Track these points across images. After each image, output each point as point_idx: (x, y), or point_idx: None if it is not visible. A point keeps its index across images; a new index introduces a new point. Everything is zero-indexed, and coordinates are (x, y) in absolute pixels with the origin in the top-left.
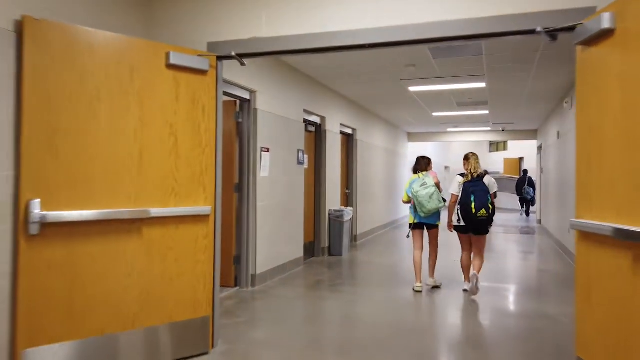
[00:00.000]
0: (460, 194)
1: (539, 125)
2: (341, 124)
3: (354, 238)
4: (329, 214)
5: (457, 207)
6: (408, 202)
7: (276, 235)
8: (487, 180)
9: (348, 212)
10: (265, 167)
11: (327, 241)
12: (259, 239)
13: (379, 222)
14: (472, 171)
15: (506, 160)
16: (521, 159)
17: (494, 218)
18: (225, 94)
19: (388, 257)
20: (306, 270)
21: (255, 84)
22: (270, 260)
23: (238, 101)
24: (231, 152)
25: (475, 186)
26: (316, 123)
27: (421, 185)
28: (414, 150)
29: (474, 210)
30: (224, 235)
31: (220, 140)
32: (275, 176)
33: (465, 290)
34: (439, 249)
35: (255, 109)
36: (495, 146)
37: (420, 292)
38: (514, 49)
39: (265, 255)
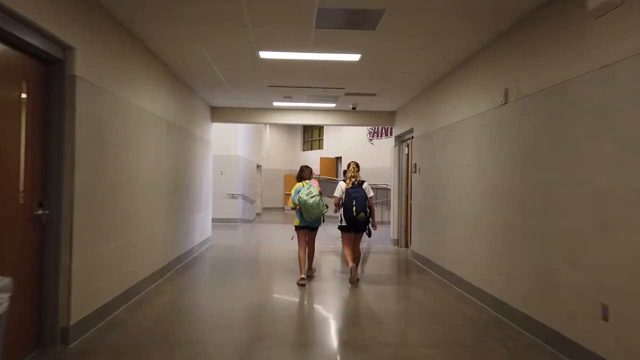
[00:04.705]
0: (344, 199)
1: (399, 105)
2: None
3: (62, 338)
4: None
5: (341, 210)
6: (294, 208)
7: None
8: (365, 186)
9: None
10: None
11: None
12: None
13: (151, 268)
14: (353, 178)
15: (322, 160)
16: (338, 158)
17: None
18: None
19: None
20: None
21: None
22: None
23: None
24: None
25: (356, 192)
26: None
27: (308, 194)
28: (218, 135)
29: (354, 213)
30: None
31: None
32: None
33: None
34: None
35: None
36: (309, 144)
37: (304, 285)
38: None
39: None
